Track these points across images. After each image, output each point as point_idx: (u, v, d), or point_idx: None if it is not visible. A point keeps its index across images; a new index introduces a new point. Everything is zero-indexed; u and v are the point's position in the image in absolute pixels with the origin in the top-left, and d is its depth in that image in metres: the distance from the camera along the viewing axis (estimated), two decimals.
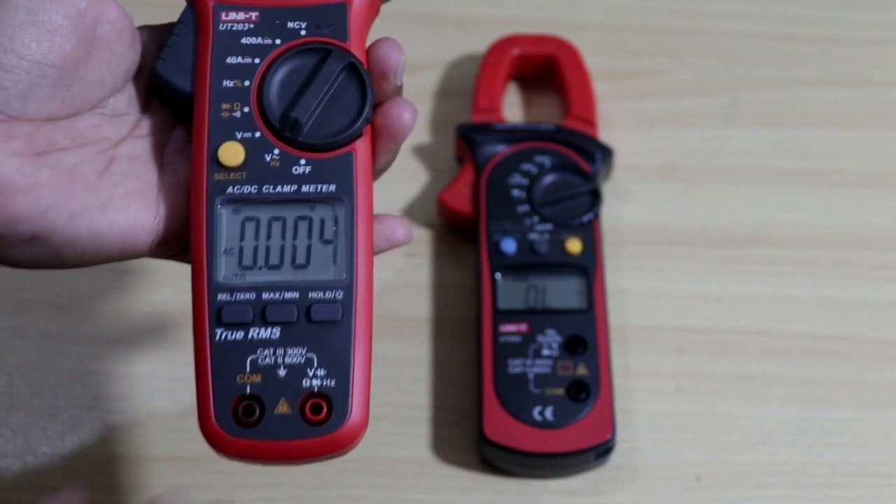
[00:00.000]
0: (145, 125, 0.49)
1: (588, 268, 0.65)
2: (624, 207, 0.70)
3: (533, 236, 0.65)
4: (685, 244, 0.69)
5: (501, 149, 0.68)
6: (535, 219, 0.66)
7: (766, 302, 0.67)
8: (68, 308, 0.66)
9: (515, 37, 0.73)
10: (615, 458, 0.62)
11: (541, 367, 0.62)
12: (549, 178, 0.67)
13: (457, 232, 0.68)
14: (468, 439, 0.63)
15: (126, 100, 0.48)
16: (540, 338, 0.63)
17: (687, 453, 0.63)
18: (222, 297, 0.45)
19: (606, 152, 0.69)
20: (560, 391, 0.61)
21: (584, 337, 0.63)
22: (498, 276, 0.65)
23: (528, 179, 0.67)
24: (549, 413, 0.61)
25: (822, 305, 0.67)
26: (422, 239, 0.69)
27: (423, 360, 0.65)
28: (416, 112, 0.48)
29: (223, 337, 0.45)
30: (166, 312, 0.66)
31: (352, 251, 0.46)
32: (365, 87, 0.47)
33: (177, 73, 0.47)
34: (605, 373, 0.62)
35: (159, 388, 0.64)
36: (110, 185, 0.46)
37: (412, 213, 0.69)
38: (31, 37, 0.44)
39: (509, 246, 0.65)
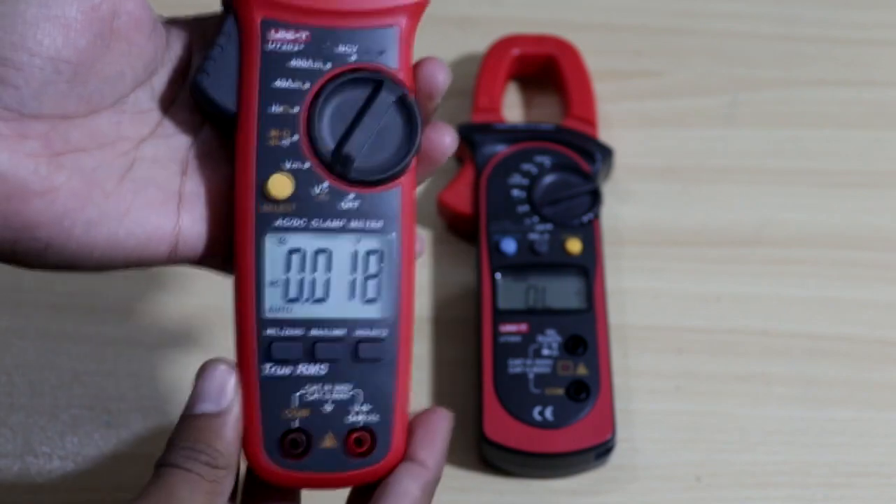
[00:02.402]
0: (169, 124, 0.47)
1: (588, 268, 0.65)
2: (624, 207, 0.70)
3: (533, 236, 0.65)
4: (685, 244, 0.69)
5: (501, 149, 0.68)
6: (535, 219, 0.66)
7: (766, 302, 0.67)
8: (68, 308, 0.66)
9: (515, 37, 0.73)
10: (615, 458, 0.62)
11: (541, 367, 0.62)
12: (549, 178, 0.67)
13: (457, 232, 0.68)
14: (468, 439, 0.63)
15: (148, 95, 0.46)
16: (540, 338, 0.63)
17: (687, 453, 0.63)
18: (271, 331, 0.45)
19: (606, 152, 0.69)
20: (560, 391, 0.61)
21: (584, 337, 0.63)
22: (498, 276, 0.65)
23: (528, 179, 0.67)
24: (548, 413, 0.61)
25: (821, 305, 0.67)
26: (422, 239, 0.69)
27: (423, 360, 0.65)
28: (456, 137, 0.48)
29: (272, 372, 0.45)
30: (167, 312, 0.66)
31: (396, 287, 0.46)
32: (415, 120, 0.46)
33: (221, 90, 0.46)
34: (605, 373, 0.62)
35: (160, 387, 0.64)
36: (130, 192, 0.45)
37: None
38: (43, 32, 0.42)
39: (509, 246, 0.65)
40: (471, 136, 0.68)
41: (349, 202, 0.46)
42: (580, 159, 0.68)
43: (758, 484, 0.62)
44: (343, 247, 0.46)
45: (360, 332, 0.46)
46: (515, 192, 0.67)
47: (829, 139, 0.73)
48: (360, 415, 0.46)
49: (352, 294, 0.46)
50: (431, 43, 0.75)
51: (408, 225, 0.47)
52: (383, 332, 0.46)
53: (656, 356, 0.66)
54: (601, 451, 0.61)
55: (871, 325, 0.67)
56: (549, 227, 0.66)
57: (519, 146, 0.68)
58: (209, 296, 0.65)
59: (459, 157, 0.70)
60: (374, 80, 0.46)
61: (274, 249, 0.46)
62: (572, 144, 0.68)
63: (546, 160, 0.67)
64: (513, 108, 0.73)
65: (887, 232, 0.70)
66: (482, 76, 0.72)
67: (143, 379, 0.64)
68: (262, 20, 0.45)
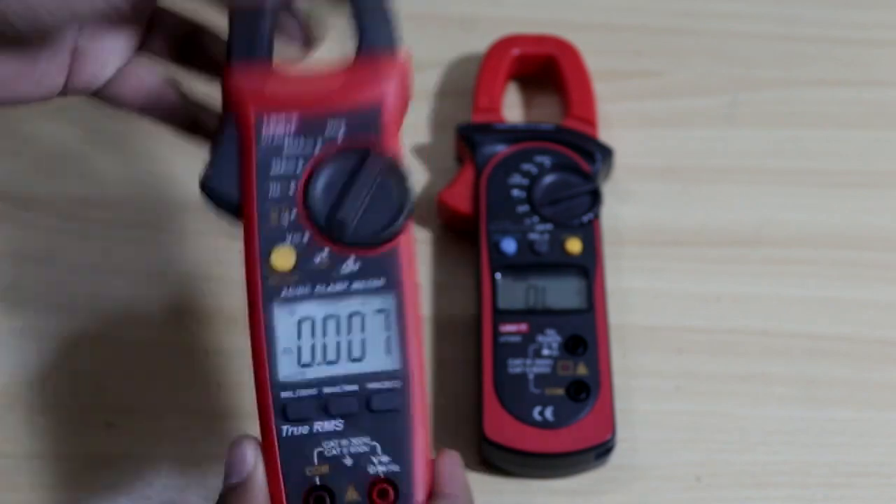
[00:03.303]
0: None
1: (588, 268, 0.64)
2: (624, 207, 0.70)
3: (533, 236, 0.65)
4: (685, 244, 0.69)
5: (501, 149, 0.68)
6: (535, 219, 0.66)
7: (766, 302, 0.67)
8: (68, 308, 0.66)
9: (515, 37, 0.73)
10: (615, 458, 0.62)
11: (541, 367, 0.62)
12: (549, 178, 0.67)
13: (457, 232, 0.68)
14: (468, 439, 0.63)
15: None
16: (540, 338, 0.63)
17: (687, 453, 0.63)
18: (286, 395, 0.47)
19: (606, 152, 0.68)
20: (560, 391, 0.61)
21: (584, 337, 0.63)
22: (498, 276, 0.64)
23: (528, 179, 0.67)
24: (549, 413, 0.61)
25: (822, 305, 0.67)
26: (422, 239, 0.69)
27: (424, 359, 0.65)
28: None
29: (290, 432, 0.47)
30: (167, 313, 0.66)
31: (404, 340, 0.48)
32: (405, 183, 0.49)
33: (225, 185, 0.49)
34: (605, 373, 0.62)
35: (160, 388, 0.64)
36: None
37: None
38: None
39: (509, 246, 0.65)
40: (471, 136, 0.68)
41: (350, 265, 0.48)
42: (580, 159, 0.68)
43: (758, 484, 0.62)
44: (350, 309, 0.48)
45: (371, 386, 0.47)
46: (515, 192, 0.67)
47: (829, 139, 0.73)
48: (380, 465, 0.47)
49: (363, 353, 0.48)
50: (431, 42, 0.76)
51: (410, 280, 0.49)
52: (396, 384, 0.48)
53: (656, 356, 0.65)
54: (601, 451, 0.61)
55: (871, 325, 0.67)
56: (549, 227, 0.65)
57: (519, 146, 0.68)
58: (208, 297, 0.65)
59: (459, 157, 0.70)
60: (360, 152, 0.49)
61: (284, 319, 0.48)
62: (572, 144, 0.68)
63: (546, 160, 0.67)
64: (513, 109, 0.73)
65: (887, 232, 0.70)
66: (482, 76, 0.72)
67: (143, 379, 0.64)
68: (256, 116, 0.49)
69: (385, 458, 0.47)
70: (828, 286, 0.68)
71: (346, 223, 0.48)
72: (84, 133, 0.71)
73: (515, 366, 0.62)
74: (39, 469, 0.62)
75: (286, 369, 0.48)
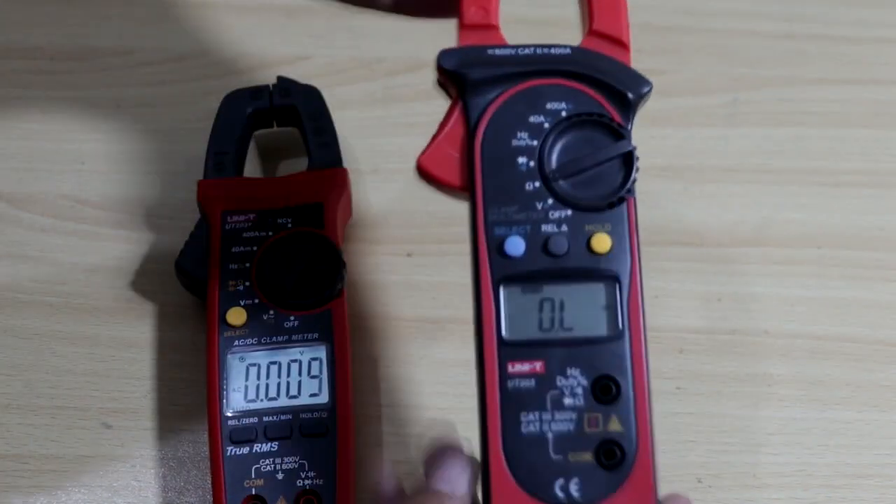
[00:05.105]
0: None
1: (618, 274, 0.49)
2: None
3: (547, 228, 0.47)
4: (685, 244, 0.69)
5: (500, 91, 0.48)
6: (549, 200, 0.47)
7: (766, 302, 0.67)
8: (67, 308, 0.65)
9: None
10: None
11: (562, 422, 0.46)
12: (565, 137, 0.48)
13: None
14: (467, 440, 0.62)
15: None
16: (560, 380, 0.46)
17: (688, 455, 0.62)
18: (232, 423, 0.58)
19: (643, 89, 0.50)
20: (588, 456, 0.45)
21: (614, 376, 0.47)
22: (502, 290, 0.47)
23: (538, 139, 0.47)
24: (573, 487, 0.45)
25: (823, 306, 0.67)
26: (422, 239, 0.68)
27: (423, 360, 0.65)
28: None
29: (233, 452, 0.58)
30: (167, 314, 0.65)
31: (333, 381, 0.59)
32: (338, 261, 0.61)
33: (194, 266, 0.62)
34: (644, 425, 0.46)
35: (159, 389, 0.63)
36: None
37: (411, 213, 0.69)
38: None
39: (516, 247, 0.47)
40: (458, 71, 0.47)
41: (291, 322, 0.60)
42: (607, 103, 0.48)
43: (760, 485, 0.62)
44: (290, 357, 0.60)
45: (304, 416, 0.58)
46: (522, 161, 0.47)
47: (831, 139, 0.72)
48: (307, 480, 0.57)
49: (298, 391, 0.59)
50: (431, 41, 0.74)
51: (341, 335, 0.60)
52: (324, 414, 0.58)
53: (656, 357, 0.65)
54: None
55: (872, 326, 0.66)
56: (567, 212, 0.47)
57: (524, 85, 0.48)
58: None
59: (445, 90, 0.50)
60: (303, 235, 0.62)
61: (236, 365, 0.59)
62: (595, 80, 0.48)
63: (561, 107, 0.47)
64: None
65: (889, 232, 0.69)
66: None
67: (140, 380, 0.64)
68: (221, 212, 0.62)
69: (312, 474, 0.57)
70: (829, 286, 0.68)
71: (289, 290, 0.60)
72: (81, 132, 0.71)
73: (530, 422, 0.46)
74: (38, 469, 0.61)
75: (235, 404, 0.59)
